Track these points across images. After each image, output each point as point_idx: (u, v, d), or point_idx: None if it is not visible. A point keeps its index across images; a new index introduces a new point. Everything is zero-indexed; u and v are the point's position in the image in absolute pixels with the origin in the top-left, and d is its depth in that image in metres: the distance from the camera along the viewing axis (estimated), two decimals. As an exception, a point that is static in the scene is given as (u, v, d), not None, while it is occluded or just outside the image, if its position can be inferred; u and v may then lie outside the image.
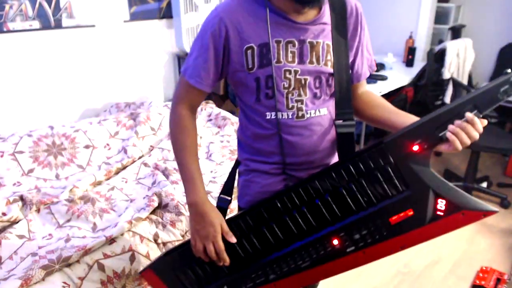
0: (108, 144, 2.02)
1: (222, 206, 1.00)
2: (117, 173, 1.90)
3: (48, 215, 1.54)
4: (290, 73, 0.87)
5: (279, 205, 0.88)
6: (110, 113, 2.36)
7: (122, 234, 1.42)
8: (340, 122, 0.92)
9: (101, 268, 1.33)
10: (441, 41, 3.43)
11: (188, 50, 2.60)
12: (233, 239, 0.90)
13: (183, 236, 1.51)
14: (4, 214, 1.50)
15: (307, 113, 0.90)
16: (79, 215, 1.54)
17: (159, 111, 2.24)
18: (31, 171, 1.78)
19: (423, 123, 0.79)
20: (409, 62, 3.09)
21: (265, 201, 0.90)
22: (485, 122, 0.76)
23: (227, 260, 0.91)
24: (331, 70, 0.89)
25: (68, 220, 1.53)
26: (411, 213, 0.80)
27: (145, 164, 1.93)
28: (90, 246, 1.33)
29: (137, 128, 2.09)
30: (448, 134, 0.76)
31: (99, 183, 1.81)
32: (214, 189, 1.70)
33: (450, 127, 0.76)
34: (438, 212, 0.79)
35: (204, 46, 0.87)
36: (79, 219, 1.53)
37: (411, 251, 2.11)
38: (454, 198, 0.78)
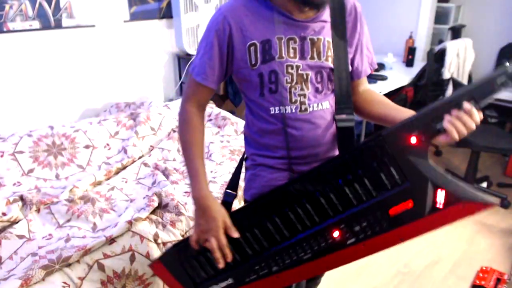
0: (108, 144, 2.02)
1: (228, 200, 1.03)
2: (117, 173, 1.89)
3: (48, 215, 1.54)
4: (292, 68, 0.90)
5: (280, 198, 0.89)
6: (110, 113, 2.36)
7: (122, 234, 1.42)
8: (340, 116, 0.94)
9: (101, 268, 1.33)
10: (441, 41, 3.43)
11: (188, 50, 2.61)
12: (236, 234, 0.91)
13: (183, 236, 1.51)
14: (4, 214, 1.50)
15: (310, 107, 0.92)
16: (79, 215, 1.54)
17: (159, 111, 2.24)
18: (31, 171, 1.78)
19: (420, 115, 0.80)
20: (409, 62, 3.09)
21: (267, 194, 0.91)
22: (481, 114, 0.76)
23: (228, 255, 0.92)
24: (332, 65, 0.92)
25: (68, 220, 1.53)
26: (410, 204, 0.80)
27: (145, 164, 1.93)
28: (90, 246, 1.33)
29: (137, 128, 2.09)
30: (445, 124, 0.76)
31: (99, 183, 1.81)
32: (214, 189, 1.70)
33: (447, 117, 0.76)
34: (438, 204, 0.79)
35: (209, 44, 0.90)
36: (79, 219, 1.53)
37: (411, 251, 2.12)
38: (454, 189, 0.78)
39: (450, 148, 3.19)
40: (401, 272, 1.97)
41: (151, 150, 2.09)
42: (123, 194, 1.74)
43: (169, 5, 2.57)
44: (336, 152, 1.01)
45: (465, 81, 2.92)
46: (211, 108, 2.50)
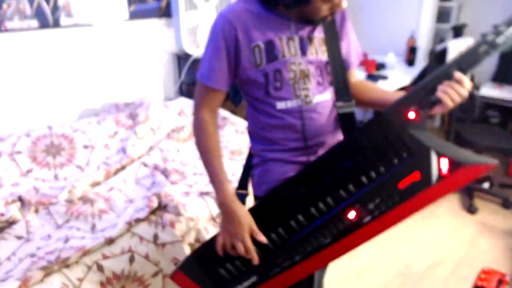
0: (107, 144, 2.01)
1: (241, 200, 1.04)
2: (116, 173, 1.88)
3: (47, 216, 1.53)
4: (294, 65, 0.96)
5: (294, 189, 0.93)
6: (109, 113, 2.34)
7: (121, 235, 1.41)
8: (339, 103, 1.01)
9: (100, 269, 1.32)
10: (442, 40, 3.41)
11: (187, 49, 2.59)
12: (263, 239, 0.95)
13: (183, 236, 1.50)
14: (2, 214, 1.49)
15: (314, 98, 0.98)
16: (78, 216, 1.53)
17: (159, 111, 2.23)
18: (29, 171, 1.78)
19: (415, 91, 0.86)
20: (410, 62, 3.08)
21: (280, 187, 0.95)
22: (471, 82, 0.82)
23: (256, 258, 0.96)
24: (327, 59, 1.00)
25: (67, 221, 1.52)
26: (417, 176, 0.84)
27: (145, 165, 1.92)
28: (89, 247, 1.32)
29: (136, 128, 2.08)
30: (439, 94, 0.83)
31: (98, 183, 1.80)
32: (214, 190, 1.68)
33: (440, 87, 0.83)
34: (443, 171, 0.84)
35: (217, 48, 0.94)
36: (78, 220, 1.52)
37: (412, 252, 2.11)
38: (455, 155, 0.83)
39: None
40: (402, 273, 1.96)
41: (151, 150, 2.07)
42: (122, 194, 1.73)
43: (168, 4, 2.56)
44: (341, 139, 1.06)
45: (466, 80, 2.91)
46: (211, 108, 2.48)
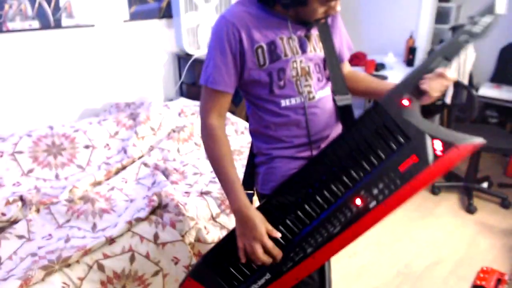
0: (108, 144, 2.02)
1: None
2: (117, 173, 1.89)
3: (48, 215, 1.54)
4: (296, 63, 0.99)
5: (300, 183, 0.96)
6: (110, 113, 2.35)
7: (122, 235, 1.42)
8: (338, 97, 1.06)
9: (101, 268, 1.33)
10: (441, 41, 3.42)
11: (188, 49, 2.60)
12: (278, 234, 0.96)
13: (183, 236, 1.51)
14: (3, 214, 1.49)
15: (316, 94, 1.02)
16: (78, 215, 1.54)
17: (159, 111, 2.24)
18: (30, 171, 1.78)
19: (406, 79, 0.93)
20: (409, 62, 3.09)
21: (287, 183, 0.98)
22: (456, 74, 0.87)
23: (279, 254, 0.95)
24: (324, 55, 1.04)
25: (68, 221, 1.53)
26: (415, 158, 0.90)
27: (145, 164, 1.93)
28: (90, 246, 1.32)
29: (137, 128, 2.09)
30: (423, 86, 0.90)
31: (99, 183, 1.81)
32: (214, 189, 1.69)
33: (423, 80, 0.91)
34: (437, 152, 0.90)
35: (222, 51, 0.95)
36: (79, 219, 1.53)
37: (411, 251, 2.12)
38: (446, 136, 0.90)
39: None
40: (401, 272, 1.97)
41: (151, 150, 2.08)
42: (123, 194, 1.74)
43: (169, 4, 2.57)
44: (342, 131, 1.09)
45: (465, 81, 2.91)
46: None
